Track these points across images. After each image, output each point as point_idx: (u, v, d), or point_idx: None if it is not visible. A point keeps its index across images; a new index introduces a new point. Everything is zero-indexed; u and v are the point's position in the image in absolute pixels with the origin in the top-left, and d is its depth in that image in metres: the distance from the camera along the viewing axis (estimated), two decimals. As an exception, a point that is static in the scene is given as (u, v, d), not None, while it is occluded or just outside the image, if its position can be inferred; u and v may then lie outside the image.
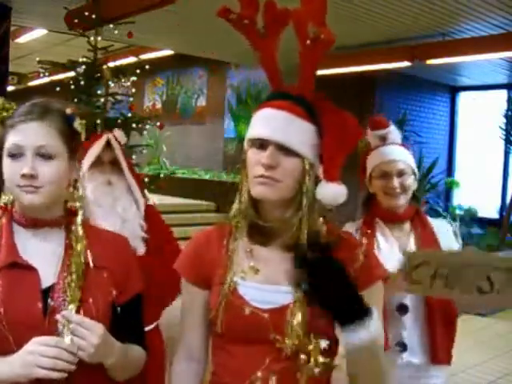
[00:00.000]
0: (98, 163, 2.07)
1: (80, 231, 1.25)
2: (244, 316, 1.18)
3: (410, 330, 1.94)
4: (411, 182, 2.01)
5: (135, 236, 2.05)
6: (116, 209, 2.07)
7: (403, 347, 1.94)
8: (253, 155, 1.20)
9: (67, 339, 1.11)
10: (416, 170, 2.07)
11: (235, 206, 1.28)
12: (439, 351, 1.94)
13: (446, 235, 2.03)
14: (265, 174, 1.16)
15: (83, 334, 1.12)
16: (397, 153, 2.03)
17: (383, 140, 2.06)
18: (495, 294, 1.67)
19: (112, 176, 2.10)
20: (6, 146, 1.21)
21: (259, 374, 1.17)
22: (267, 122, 1.20)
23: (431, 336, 1.93)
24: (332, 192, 1.20)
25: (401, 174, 1.99)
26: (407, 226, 2.04)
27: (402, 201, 2.00)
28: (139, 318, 1.37)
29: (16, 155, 1.19)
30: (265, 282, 1.21)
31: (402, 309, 1.93)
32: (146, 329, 1.93)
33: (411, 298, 1.93)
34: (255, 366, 1.18)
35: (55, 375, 1.08)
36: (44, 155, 1.20)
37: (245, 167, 1.24)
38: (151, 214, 2.20)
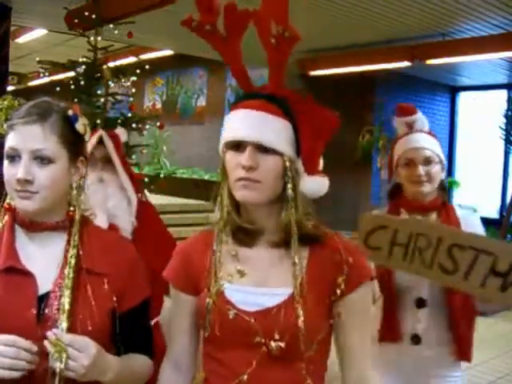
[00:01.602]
0: (90, 160, 2.08)
1: (75, 237, 1.21)
2: (228, 320, 1.17)
3: (427, 323, 1.91)
4: (438, 170, 1.97)
5: (124, 231, 2.06)
6: (106, 205, 2.07)
7: (417, 340, 1.92)
8: (231, 158, 1.19)
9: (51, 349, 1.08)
10: (444, 160, 2.02)
11: (216, 211, 1.26)
12: (465, 347, 1.93)
13: (473, 228, 1.91)
14: (245, 176, 1.15)
15: (74, 355, 1.08)
16: (423, 140, 1.99)
17: (410, 127, 2.04)
18: (461, 277, 1.50)
19: (104, 173, 2.10)
20: (5, 148, 1.18)
21: (245, 377, 1.16)
22: (241, 123, 1.18)
23: (456, 331, 1.90)
24: (314, 185, 1.21)
25: (427, 161, 1.95)
26: (433, 217, 1.97)
27: (428, 189, 1.94)
28: (145, 326, 1.34)
29: (13, 158, 1.16)
30: (252, 285, 1.20)
31: (420, 303, 1.90)
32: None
33: (430, 293, 1.90)
34: (242, 370, 1.17)
35: (13, 374, 1.05)
36: (41, 159, 1.16)
37: (223, 171, 1.22)
38: (144, 211, 2.20)
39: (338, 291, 1.18)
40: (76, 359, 1.08)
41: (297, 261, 1.18)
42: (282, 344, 1.14)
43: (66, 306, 1.14)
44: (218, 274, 1.21)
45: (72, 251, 1.20)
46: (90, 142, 2.07)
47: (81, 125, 1.23)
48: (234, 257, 1.23)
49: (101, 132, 2.14)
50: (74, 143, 1.22)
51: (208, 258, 1.24)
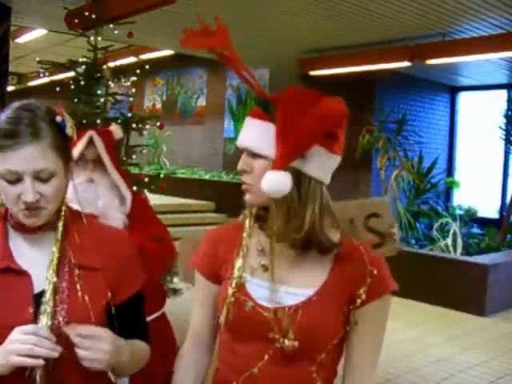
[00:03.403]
0: (81, 160, 2.10)
1: (59, 234, 1.21)
2: (244, 311, 1.19)
3: None
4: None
5: None
6: (96, 205, 2.09)
7: None
8: None
9: (44, 322, 1.11)
10: None
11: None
12: None
13: None
14: (241, 178, 1.23)
15: (94, 346, 1.10)
16: None
17: None
18: None
19: (94, 174, 2.12)
20: None
21: (256, 370, 1.18)
22: (242, 130, 1.26)
23: None
24: (271, 180, 1.13)
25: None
26: None
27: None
28: (140, 316, 1.36)
29: (13, 180, 1.14)
30: (273, 281, 1.20)
31: None
32: (152, 317, 2.00)
33: None
34: (253, 363, 1.19)
35: (29, 362, 1.06)
36: (43, 177, 1.15)
37: None
38: (139, 206, 2.22)
39: (359, 301, 1.18)
40: (98, 349, 1.10)
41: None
42: (296, 343, 1.15)
43: (50, 304, 1.14)
44: (242, 266, 1.24)
45: (56, 246, 1.20)
46: (81, 143, 2.09)
47: (70, 128, 1.20)
48: (260, 251, 1.25)
49: (91, 132, 2.13)
50: (65, 149, 1.21)
51: (234, 249, 1.27)
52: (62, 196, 1.22)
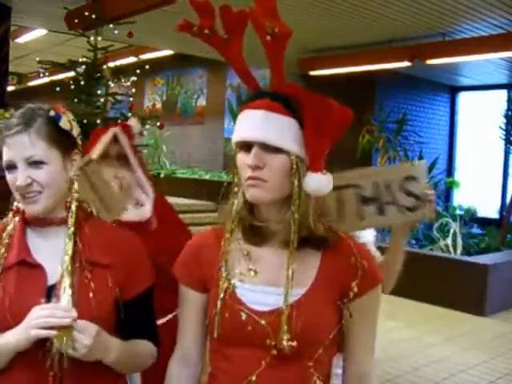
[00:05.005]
0: (104, 157, 2.04)
1: (71, 229, 1.26)
2: (241, 321, 1.18)
3: None
4: None
5: None
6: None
7: None
8: (241, 158, 1.20)
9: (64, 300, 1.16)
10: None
11: (232, 208, 1.26)
12: None
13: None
14: (252, 175, 1.16)
15: (76, 336, 1.13)
16: None
17: None
18: (337, 220, 1.56)
19: (119, 171, 2.07)
20: (3, 161, 1.25)
21: (254, 377, 1.17)
22: (246, 124, 1.20)
23: None
24: (316, 182, 1.18)
25: None
26: None
27: None
28: (149, 313, 1.38)
29: (11, 168, 1.24)
30: (263, 284, 1.20)
31: None
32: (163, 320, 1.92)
33: None
34: (251, 370, 1.18)
35: (42, 333, 1.12)
36: (35, 163, 1.22)
37: (237, 171, 1.23)
38: (161, 206, 2.16)
39: (351, 294, 1.20)
40: (78, 340, 1.13)
41: (289, 260, 1.18)
42: (294, 343, 1.15)
43: (68, 292, 1.18)
44: (229, 273, 1.22)
45: (69, 241, 1.25)
46: (105, 139, 2.05)
47: (65, 121, 1.27)
48: (246, 256, 1.23)
49: (115, 129, 2.09)
50: (62, 141, 1.27)
51: (218, 256, 1.25)
52: (62, 186, 1.27)
